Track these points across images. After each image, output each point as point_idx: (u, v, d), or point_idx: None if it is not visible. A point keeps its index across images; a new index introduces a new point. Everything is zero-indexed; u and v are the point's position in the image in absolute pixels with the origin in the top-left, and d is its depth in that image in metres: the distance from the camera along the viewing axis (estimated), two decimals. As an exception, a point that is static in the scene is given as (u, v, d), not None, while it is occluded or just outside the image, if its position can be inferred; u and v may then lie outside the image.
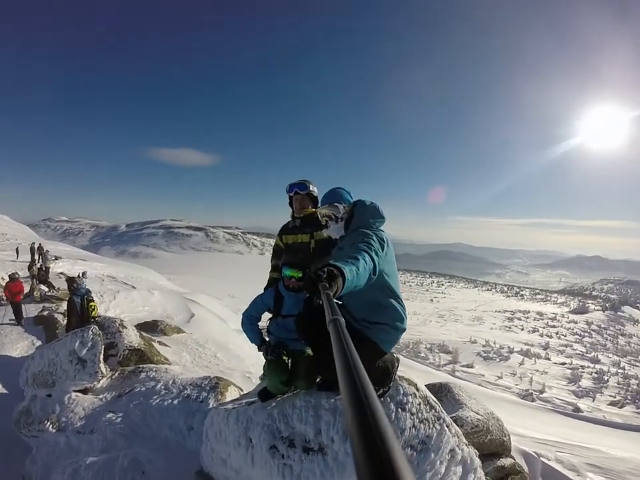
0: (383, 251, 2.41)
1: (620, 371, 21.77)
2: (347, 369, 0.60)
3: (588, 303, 45.72)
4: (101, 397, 4.63)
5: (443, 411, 2.75)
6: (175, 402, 4.31)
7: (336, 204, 2.73)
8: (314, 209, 3.38)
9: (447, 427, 2.62)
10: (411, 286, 54.97)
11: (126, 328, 6.58)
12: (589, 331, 31.61)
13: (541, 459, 4.76)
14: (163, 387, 4.60)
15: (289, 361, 2.85)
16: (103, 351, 5.03)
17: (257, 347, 2.98)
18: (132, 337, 6.43)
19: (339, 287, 1.74)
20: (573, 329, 31.31)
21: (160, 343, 7.57)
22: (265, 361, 2.91)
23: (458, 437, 2.67)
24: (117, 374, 5.18)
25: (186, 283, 30.49)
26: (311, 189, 3.38)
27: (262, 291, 3.29)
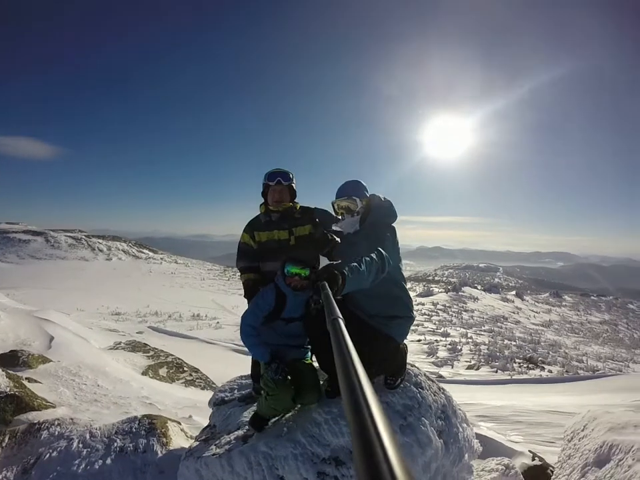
0: (395, 247, 2.48)
1: (469, 340, 26.74)
2: (347, 369, 0.63)
3: (432, 287, 54.81)
4: (-1, 478, 3.26)
5: (436, 381, 2.95)
6: (109, 461, 3.40)
7: (354, 197, 2.59)
8: (292, 203, 3.07)
9: (445, 392, 2.83)
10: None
11: (-17, 368, 4.74)
12: (435, 310, 37.89)
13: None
14: (81, 445, 3.56)
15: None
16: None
17: (263, 363, 2.46)
18: (-3, 379, 4.71)
19: (338, 287, 1.77)
20: (421, 310, 37.14)
21: (28, 379, 5.84)
22: (262, 380, 2.44)
23: (453, 399, 2.87)
24: (6, 440, 3.76)
25: (28, 299, 24.71)
26: (293, 181, 3.06)
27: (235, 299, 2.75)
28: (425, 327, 30.48)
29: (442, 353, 21.91)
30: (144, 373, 8.28)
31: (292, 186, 3.05)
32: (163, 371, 8.82)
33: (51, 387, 5.67)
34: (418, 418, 2.35)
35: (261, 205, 3.11)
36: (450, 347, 23.38)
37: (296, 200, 3.11)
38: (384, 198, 2.71)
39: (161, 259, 72.21)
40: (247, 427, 2.69)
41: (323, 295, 1.46)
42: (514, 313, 43.73)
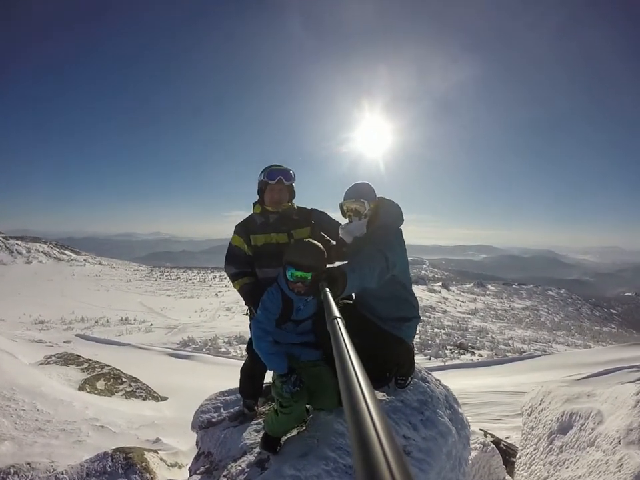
0: (402, 250, 2.50)
1: (421, 329, 28.23)
2: (347, 369, 0.63)
3: None
4: None
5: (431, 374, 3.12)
6: None
7: (362, 200, 2.55)
8: (291, 203, 2.84)
9: (441, 383, 2.98)
10: (194, 283, 55.43)
11: None
12: None
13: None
14: None
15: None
16: None
17: (280, 375, 2.24)
18: None
19: (338, 288, 1.78)
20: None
21: None
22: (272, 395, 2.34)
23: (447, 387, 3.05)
24: None
25: None
26: (294, 180, 2.80)
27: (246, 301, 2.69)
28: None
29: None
30: (80, 388, 7.55)
31: (292, 186, 2.83)
32: (100, 384, 8.11)
33: None
34: (434, 411, 2.51)
35: (255, 205, 2.83)
36: None
37: (293, 200, 2.90)
38: (393, 202, 2.71)
39: (85, 260, 66.09)
40: (256, 451, 2.48)
41: (323, 295, 1.45)
42: (441, 302, 46.72)
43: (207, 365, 13.23)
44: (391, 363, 2.54)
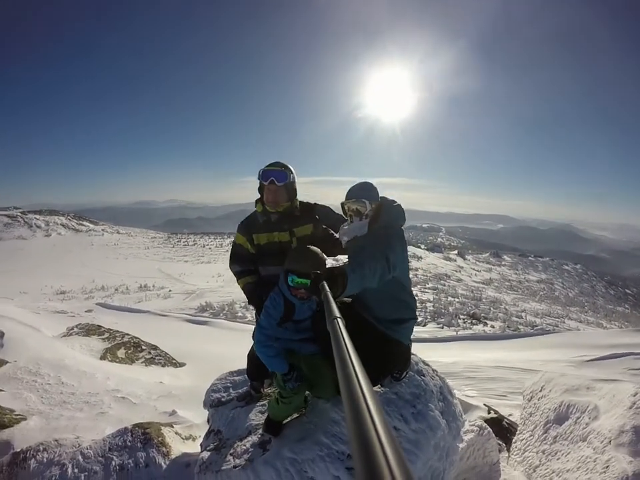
0: (404, 250, 2.51)
1: (415, 297, 28.14)
2: (346, 369, 0.64)
3: None
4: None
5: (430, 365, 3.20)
6: None
7: (363, 200, 2.53)
8: (291, 202, 2.81)
9: (438, 373, 3.08)
10: (211, 248, 56.21)
11: None
12: None
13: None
14: (76, 470, 3.27)
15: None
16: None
17: (281, 374, 2.40)
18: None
19: (339, 288, 1.78)
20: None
21: None
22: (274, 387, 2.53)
23: (444, 377, 3.12)
24: None
25: None
26: (291, 179, 2.75)
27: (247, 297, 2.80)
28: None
29: (389, 311, 22.96)
30: (102, 357, 8.01)
31: (291, 184, 2.77)
32: (121, 353, 8.56)
33: (14, 393, 5.28)
34: (425, 404, 2.59)
35: (257, 203, 2.84)
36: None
37: (297, 197, 2.87)
38: (395, 202, 2.69)
39: (103, 230, 67.75)
40: (259, 432, 2.68)
41: (323, 295, 1.45)
42: (456, 271, 46.24)
43: (223, 330, 13.72)
44: (386, 364, 2.62)
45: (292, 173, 2.76)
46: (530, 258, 74.84)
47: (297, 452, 2.37)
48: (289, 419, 2.66)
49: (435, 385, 2.86)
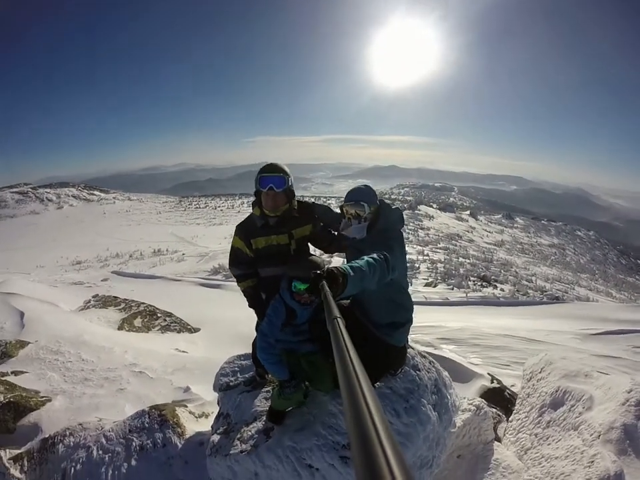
0: (401, 253, 2.56)
1: (426, 257, 27.70)
2: (347, 370, 0.64)
3: None
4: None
5: (427, 355, 3.28)
6: (133, 462, 3.43)
7: (362, 203, 2.57)
8: (289, 204, 2.80)
9: (435, 365, 3.15)
10: (222, 210, 56.33)
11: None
12: None
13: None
14: (101, 452, 3.56)
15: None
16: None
17: (280, 380, 2.59)
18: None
19: (339, 287, 1.79)
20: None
21: (14, 373, 5.70)
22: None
23: (441, 369, 3.21)
24: (26, 464, 3.67)
25: None
26: (289, 184, 2.72)
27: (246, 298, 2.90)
28: (381, 245, 31.47)
29: (400, 271, 22.74)
30: (119, 328, 8.36)
31: (289, 188, 2.75)
32: (137, 322, 8.90)
33: (38, 373, 5.59)
34: (418, 400, 2.70)
35: (254, 206, 2.84)
36: (408, 264, 23.94)
37: (295, 200, 2.86)
38: (394, 206, 2.75)
39: (114, 198, 68.36)
40: (264, 419, 2.88)
41: (323, 295, 1.46)
42: (468, 231, 45.64)
43: (236, 292, 13.90)
44: (381, 368, 2.73)
45: (289, 176, 2.73)
46: (543, 221, 73.54)
47: (296, 441, 2.57)
48: (290, 408, 2.82)
49: (430, 378, 2.96)
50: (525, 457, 3.09)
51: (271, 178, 2.66)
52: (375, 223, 2.61)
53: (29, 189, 66.67)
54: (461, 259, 28.33)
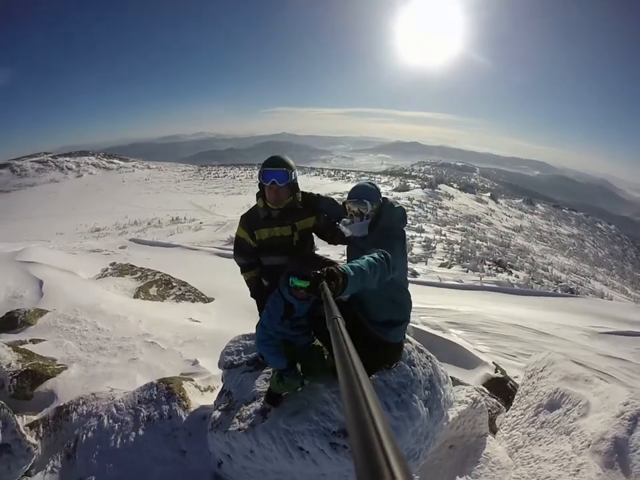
0: (403, 252, 2.56)
1: (443, 237, 27.15)
2: (347, 370, 0.65)
3: (409, 182, 54.01)
4: (47, 469, 3.56)
5: (425, 349, 3.31)
6: (140, 432, 3.65)
7: (365, 200, 2.56)
8: (292, 197, 2.82)
9: (432, 360, 3.20)
10: (241, 180, 56.48)
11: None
12: (411, 205, 37.12)
13: (411, 324, 5.36)
14: (111, 420, 3.78)
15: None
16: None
17: (279, 370, 2.71)
18: (6, 357, 4.74)
19: (339, 287, 1.79)
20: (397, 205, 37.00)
21: (32, 341, 5.97)
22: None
23: (437, 364, 3.24)
24: (41, 430, 3.94)
25: (4, 234, 24.46)
26: (292, 177, 2.73)
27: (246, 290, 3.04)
28: (400, 222, 30.88)
29: (416, 250, 21.47)
30: (135, 296, 8.59)
31: (293, 181, 2.77)
32: (153, 290, 9.13)
33: (56, 341, 5.79)
34: (410, 395, 2.77)
35: (258, 197, 2.86)
36: (424, 243, 22.73)
37: (298, 193, 2.88)
38: (397, 204, 2.72)
39: (133, 166, 69.23)
40: (262, 399, 3.03)
41: (323, 295, 1.46)
42: (487, 214, 44.46)
43: None
44: (375, 364, 2.79)
45: (293, 170, 2.74)
46: (564, 210, 71.12)
47: (290, 424, 2.71)
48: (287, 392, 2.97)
49: (424, 373, 3.00)
50: (515, 455, 3.14)
51: (274, 172, 2.67)
52: (377, 221, 2.61)
53: (49, 158, 67.90)
54: (478, 242, 27.66)
